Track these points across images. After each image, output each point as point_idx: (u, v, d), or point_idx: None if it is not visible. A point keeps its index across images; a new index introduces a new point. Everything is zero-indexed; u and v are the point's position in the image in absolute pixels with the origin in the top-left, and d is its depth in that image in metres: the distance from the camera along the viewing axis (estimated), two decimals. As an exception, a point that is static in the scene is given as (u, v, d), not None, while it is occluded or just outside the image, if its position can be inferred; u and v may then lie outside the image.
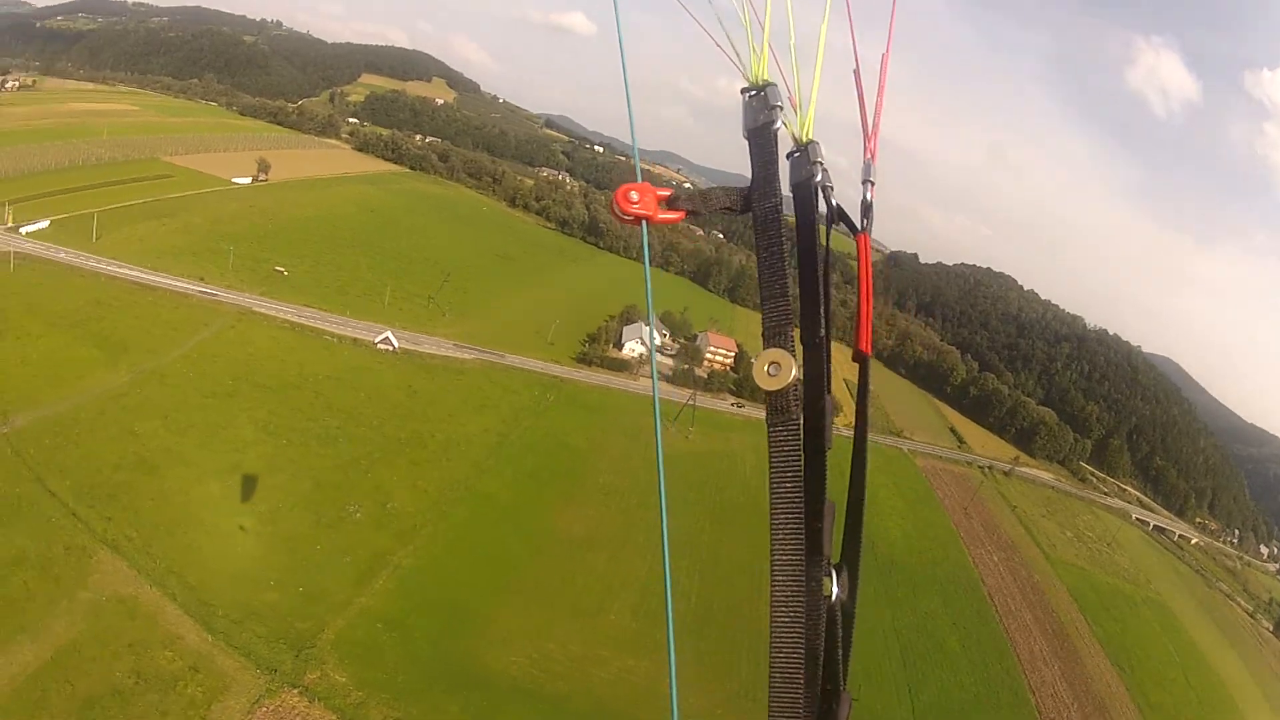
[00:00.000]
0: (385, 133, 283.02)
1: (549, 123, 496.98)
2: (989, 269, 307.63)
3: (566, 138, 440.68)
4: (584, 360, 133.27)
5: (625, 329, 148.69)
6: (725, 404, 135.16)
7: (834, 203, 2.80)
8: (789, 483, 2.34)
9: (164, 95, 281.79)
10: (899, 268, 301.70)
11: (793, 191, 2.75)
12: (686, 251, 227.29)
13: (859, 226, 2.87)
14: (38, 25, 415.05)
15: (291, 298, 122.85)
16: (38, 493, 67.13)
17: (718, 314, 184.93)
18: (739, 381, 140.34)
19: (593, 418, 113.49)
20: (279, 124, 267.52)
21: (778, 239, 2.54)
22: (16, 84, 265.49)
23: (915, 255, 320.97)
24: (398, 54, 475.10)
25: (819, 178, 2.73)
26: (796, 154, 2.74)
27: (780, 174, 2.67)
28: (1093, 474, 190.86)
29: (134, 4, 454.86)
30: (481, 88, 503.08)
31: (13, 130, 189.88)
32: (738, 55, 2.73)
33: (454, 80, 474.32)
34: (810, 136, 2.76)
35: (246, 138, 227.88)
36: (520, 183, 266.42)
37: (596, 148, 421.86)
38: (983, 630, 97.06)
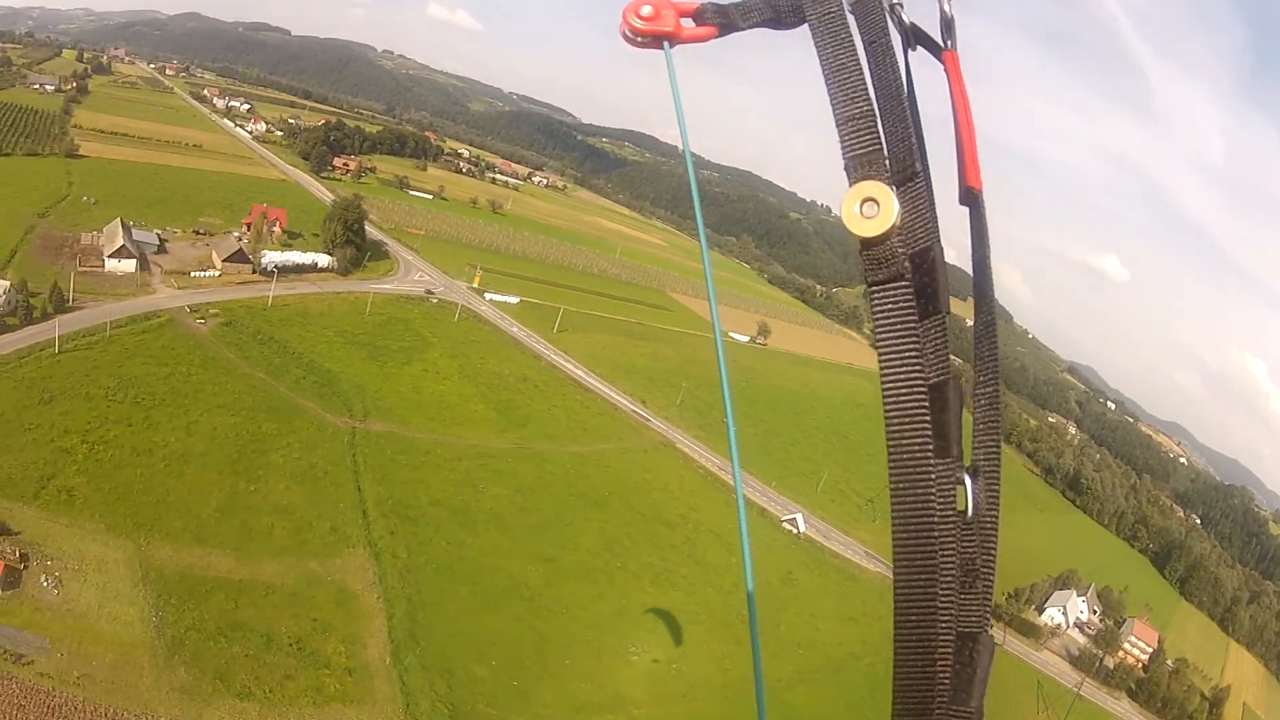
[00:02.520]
0: None
1: (1072, 369, 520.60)
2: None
3: (1084, 387, 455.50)
4: (995, 614, 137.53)
5: (1055, 593, 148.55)
6: (1117, 704, 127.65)
7: (908, 21, 2.48)
8: (905, 358, 1.96)
9: (695, 241, 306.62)
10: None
11: (853, 9, 2.24)
12: (1155, 528, 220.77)
13: (943, 44, 2.56)
14: (578, 138, 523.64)
15: (720, 449, 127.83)
16: (340, 491, 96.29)
17: (1158, 602, 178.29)
18: (1140, 683, 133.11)
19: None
20: (803, 301, 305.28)
21: (846, 41, 2.17)
22: (545, 182, 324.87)
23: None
24: None
25: None
26: None
27: None
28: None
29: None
30: (1014, 319, 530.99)
31: (528, 218, 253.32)
32: None
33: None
34: None
35: (762, 303, 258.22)
36: (1024, 422, 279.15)
37: (1109, 403, 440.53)
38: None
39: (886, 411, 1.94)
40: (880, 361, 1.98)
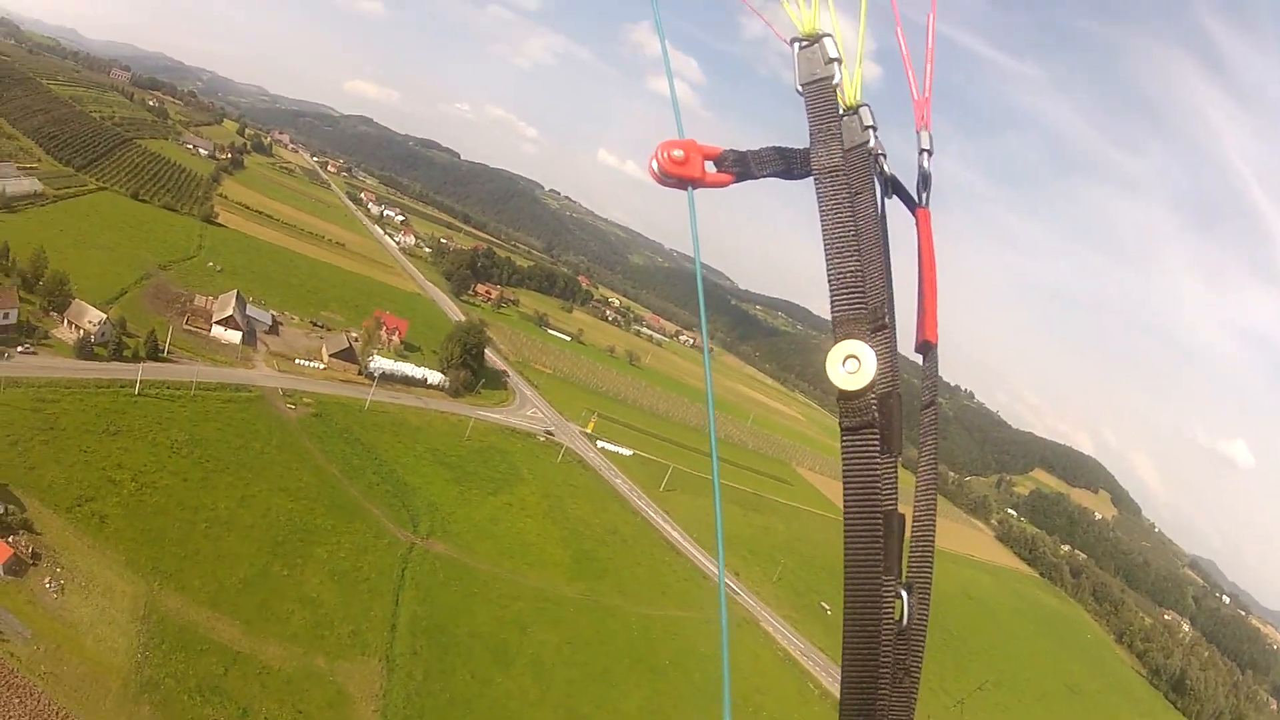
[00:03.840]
0: (1031, 531, 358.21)
1: (1193, 563, 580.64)
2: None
3: (1202, 582, 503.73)
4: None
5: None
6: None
7: (889, 173, 3.21)
8: (866, 496, 2.74)
9: (833, 417, 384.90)
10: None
11: (845, 159, 3.05)
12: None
13: (918, 200, 3.25)
14: (732, 302, 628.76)
15: (808, 632, 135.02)
16: (375, 600, 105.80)
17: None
18: None
19: None
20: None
21: (845, 209, 2.90)
22: (691, 341, 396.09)
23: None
24: (1074, 457, 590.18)
25: (873, 144, 3.14)
26: (845, 116, 3.13)
27: (840, 138, 3.05)
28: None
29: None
30: (1143, 511, 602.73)
31: (664, 374, 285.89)
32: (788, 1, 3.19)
33: (1118, 497, 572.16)
34: (860, 98, 3.18)
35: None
36: (1138, 619, 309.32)
37: (1224, 597, 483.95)
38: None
39: (847, 537, 2.76)
40: (845, 495, 2.78)
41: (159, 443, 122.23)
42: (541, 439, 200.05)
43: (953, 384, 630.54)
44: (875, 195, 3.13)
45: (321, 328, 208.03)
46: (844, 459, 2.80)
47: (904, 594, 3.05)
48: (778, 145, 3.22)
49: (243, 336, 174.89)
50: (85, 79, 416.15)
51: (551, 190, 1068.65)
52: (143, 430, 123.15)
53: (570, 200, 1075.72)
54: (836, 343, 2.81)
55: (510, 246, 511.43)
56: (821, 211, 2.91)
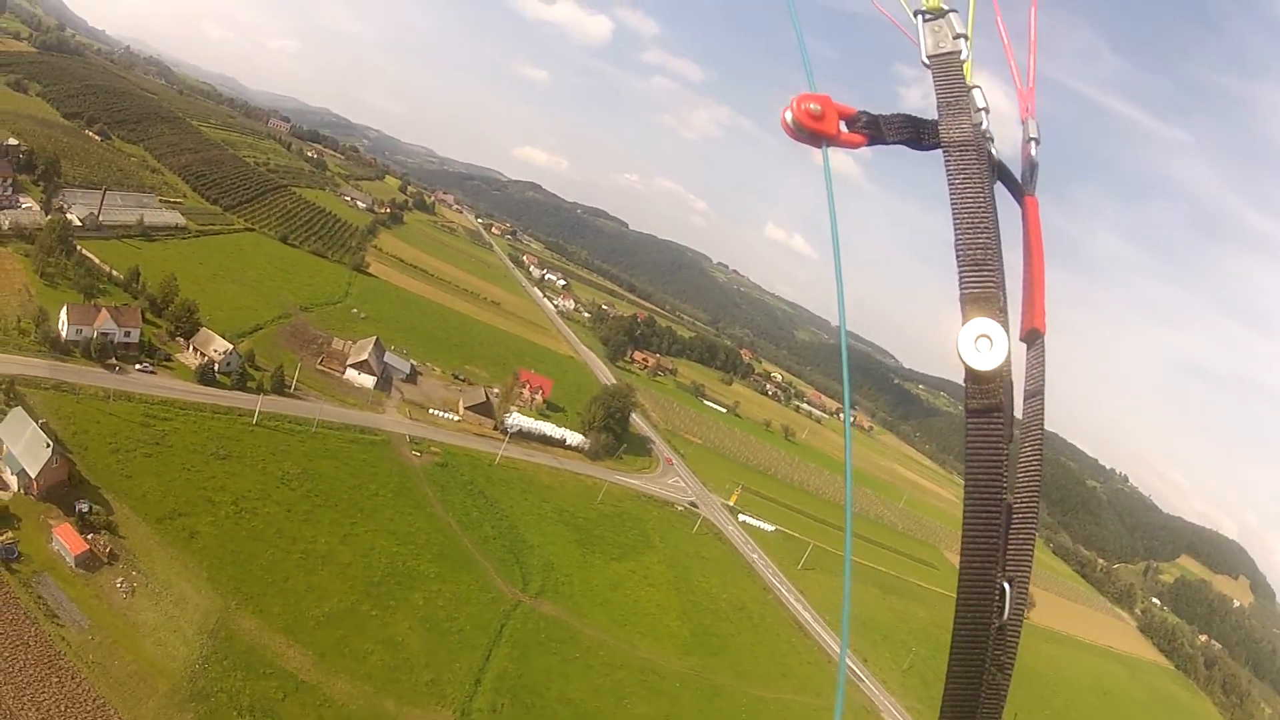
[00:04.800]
0: (1172, 621, 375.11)
1: None
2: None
3: None
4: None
5: None
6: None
7: (997, 158, 3.52)
8: (991, 483, 3.01)
9: None
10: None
11: (975, 132, 3.41)
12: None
13: (1026, 188, 3.66)
14: (895, 381, 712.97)
15: None
16: (465, 652, 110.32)
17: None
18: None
19: None
20: (1081, 575, 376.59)
21: (979, 182, 3.18)
22: (852, 419, 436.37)
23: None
24: (1217, 542, 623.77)
25: (986, 126, 3.46)
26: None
27: (971, 112, 3.42)
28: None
29: None
30: (1277, 597, 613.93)
31: (820, 450, 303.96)
32: None
33: (1256, 583, 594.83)
34: (971, 80, 3.53)
35: (1039, 574, 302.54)
36: (1260, 710, 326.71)
37: None
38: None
39: (967, 525, 3.02)
40: (968, 480, 3.04)
41: (269, 472, 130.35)
42: (680, 509, 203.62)
43: (1108, 467, 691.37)
44: (987, 177, 3.39)
45: (463, 381, 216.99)
46: (969, 443, 3.01)
47: (1006, 587, 3.23)
48: (909, 113, 3.50)
49: (376, 382, 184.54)
50: (240, 125, 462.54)
51: (719, 263, 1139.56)
52: (254, 458, 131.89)
53: (738, 274, 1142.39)
54: (966, 320, 3.03)
55: (674, 317, 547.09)
56: (951, 185, 3.16)
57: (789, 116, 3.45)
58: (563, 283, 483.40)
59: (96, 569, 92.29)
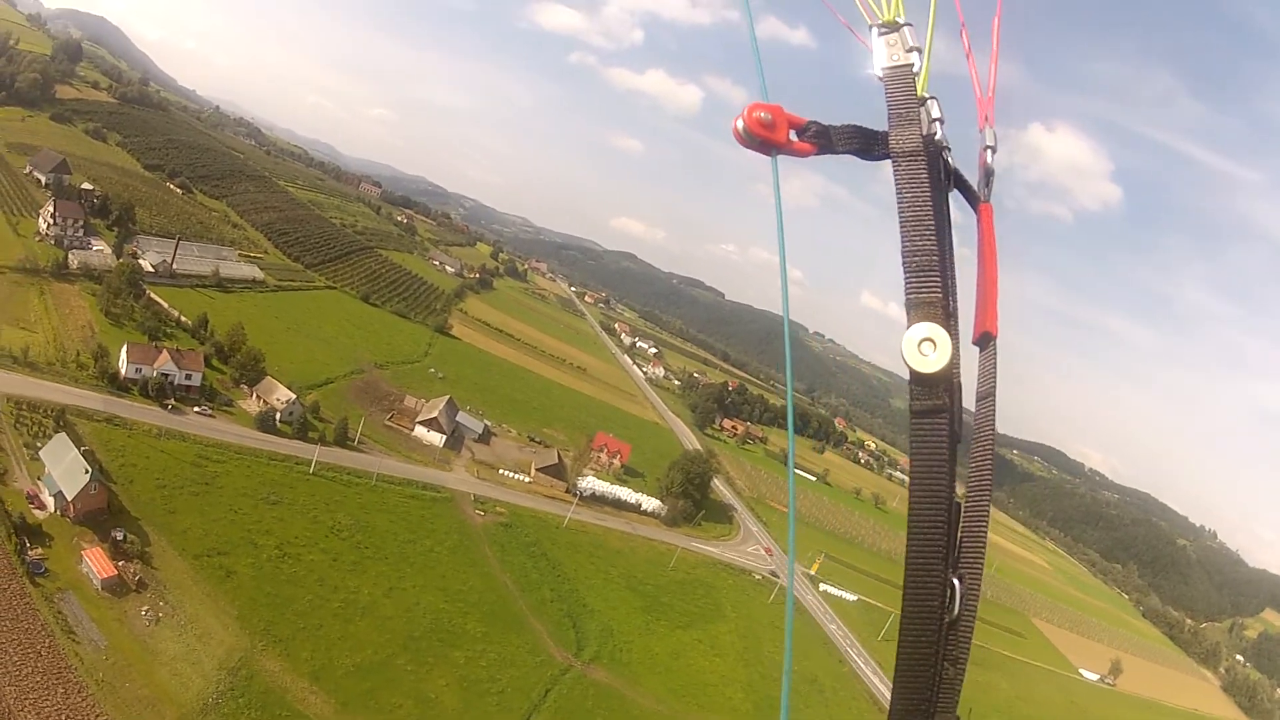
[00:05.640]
0: (1254, 677, 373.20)
1: None
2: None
3: None
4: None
5: None
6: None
7: (953, 165, 3.77)
8: (936, 483, 3.26)
9: (1081, 567, 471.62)
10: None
11: (923, 143, 3.63)
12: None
13: (981, 196, 3.88)
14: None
15: None
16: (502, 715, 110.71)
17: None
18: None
19: None
20: (1169, 638, 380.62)
21: (923, 190, 3.41)
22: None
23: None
24: None
25: (940, 135, 3.68)
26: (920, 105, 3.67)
27: (920, 124, 3.63)
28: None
29: (1090, 470, 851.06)
30: None
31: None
32: None
33: None
34: (927, 91, 3.72)
35: (1128, 637, 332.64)
36: None
37: None
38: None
39: (912, 523, 3.29)
40: (912, 480, 3.31)
41: (319, 521, 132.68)
42: (758, 577, 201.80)
43: (1197, 524, 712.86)
44: (943, 188, 3.67)
45: (538, 443, 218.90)
46: (913, 443, 3.26)
47: (956, 583, 3.44)
48: (859, 124, 3.70)
49: (446, 440, 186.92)
50: (328, 187, 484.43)
51: (815, 333, 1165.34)
52: (306, 506, 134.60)
53: (834, 343, 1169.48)
54: (911, 325, 3.25)
55: (768, 386, 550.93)
56: (899, 194, 3.37)
57: (740, 125, 3.60)
58: (654, 350, 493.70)
59: (123, 594, 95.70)
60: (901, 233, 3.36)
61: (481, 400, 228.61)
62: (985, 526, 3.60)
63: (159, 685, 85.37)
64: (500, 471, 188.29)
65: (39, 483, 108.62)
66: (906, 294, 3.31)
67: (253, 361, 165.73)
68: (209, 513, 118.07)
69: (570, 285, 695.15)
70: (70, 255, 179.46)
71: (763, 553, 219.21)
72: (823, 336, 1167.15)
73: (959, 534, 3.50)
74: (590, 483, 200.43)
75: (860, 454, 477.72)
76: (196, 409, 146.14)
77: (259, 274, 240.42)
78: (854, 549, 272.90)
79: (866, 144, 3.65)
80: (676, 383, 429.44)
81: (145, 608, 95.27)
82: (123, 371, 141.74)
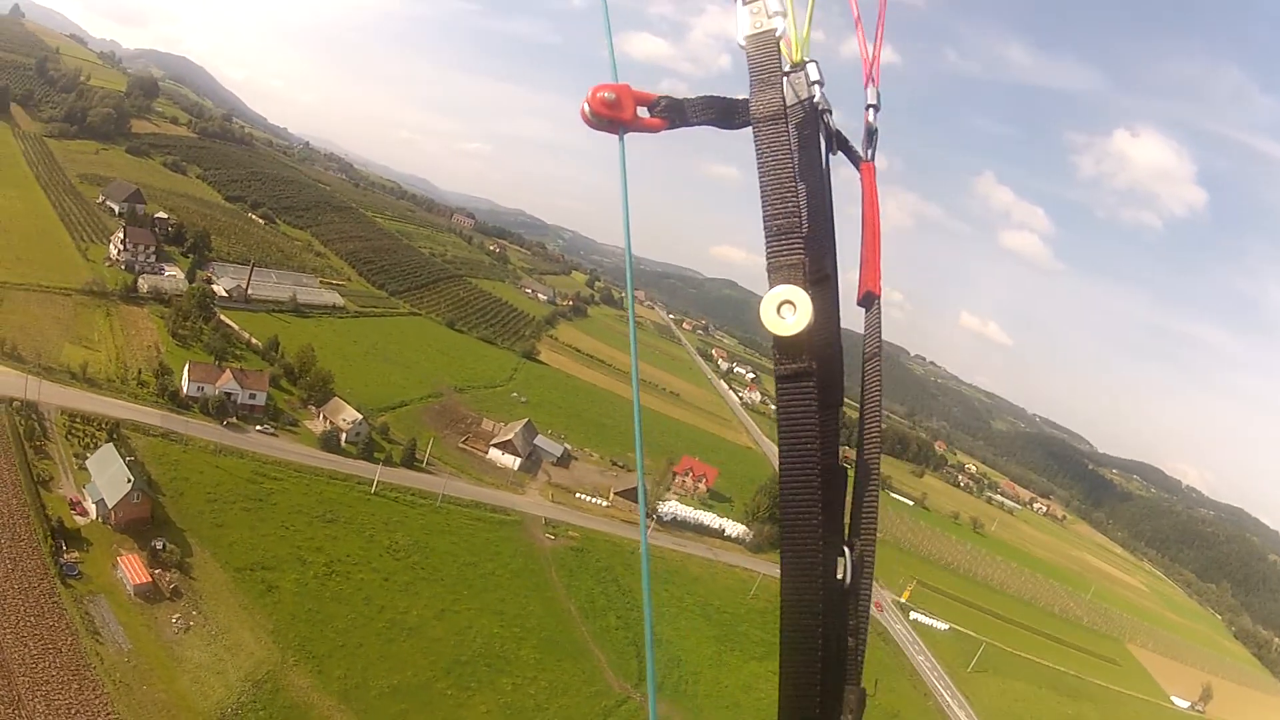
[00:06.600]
0: None
1: None
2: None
3: None
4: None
5: None
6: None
7: (834, 128, 3.85)
8: (803, 447, 3.14)
9: (1177, 588, 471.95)
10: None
11: (790, 112, 3.63)
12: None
13: (863, 155, 4.01)
14: (1089, 467, 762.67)
15: None
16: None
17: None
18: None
19: None
20: (1257, 658, 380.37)
21: (785, 155, 3.36)
22: (1045, 509, 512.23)
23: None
24: None
25: (818, 99, 3.76)
26: (791, 72, 3.77)
27: (781, 87, 3.58)
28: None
29: (1187, 487, 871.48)
30: None
31: (1009, 543, 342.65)
32: None
33: None
34: (807, 55, 3.79)
35: (1220, 660, 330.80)
36: None
37: None
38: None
39: (783, 491, 3.14)
40: (781, 446, 3.16)
41: (376, 540, 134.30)
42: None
43: None
44: (819, 149, 3.77)
45: (621, 467, 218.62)
46: (779, 409, 3.19)
47: (847, 551, 3.55)
48: (715, 95, 3.79)
49: (522, 463, 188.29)
50: (419, 218, 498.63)
51: (917, 355, 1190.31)
52: (363, 525, 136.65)
53: (935, 365, 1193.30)
54: (771, 288, 3.19)
55: None
56: (759, 158, 3.34)
57: (586, 107, 3.63)
58: (751, 375, 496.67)
59: (156, 602, 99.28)
60: (761, 196, 3.26)
61: (564, 424, 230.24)
62: (876, 491, 3.71)
63: (178, 691, 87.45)
64: (577, 495, 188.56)
65: (83, 490, 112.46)
66: (767, 258, 3.25)
67: (321, 383, 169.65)
68: (259, 528, 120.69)
69: (669, 313, 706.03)
70: (140, 279, 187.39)
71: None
72: (924, 359, 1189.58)
73: (842, 500, 3.53)
74: (672, 507, 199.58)
75: (960, 477, 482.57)
76: (259, 428, 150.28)
77: (339, 300, 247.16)
78: (949, 575, 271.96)
79: (725, 114, 3.68)
80: (773, 407, 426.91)
81: (176, 616, 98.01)
82: (184, 390, 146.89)
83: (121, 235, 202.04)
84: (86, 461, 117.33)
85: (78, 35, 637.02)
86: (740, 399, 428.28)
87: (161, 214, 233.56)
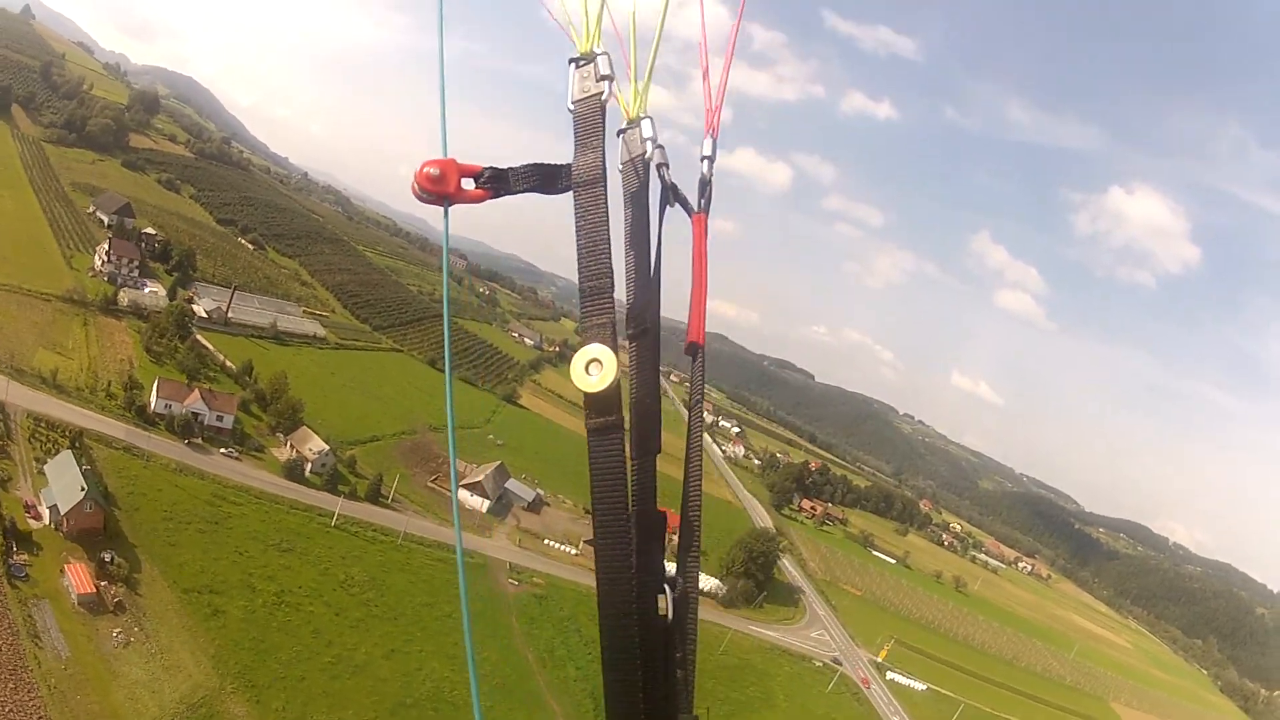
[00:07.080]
0: None
1: None
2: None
3: None
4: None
5: None
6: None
7: (669, 181, 3.91)
8: (612, 497, 3.33)
9: (1163, 645, 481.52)
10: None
11: (622, 170, 3.83)
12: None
13: (696, 206, 4.04)
14: (1075, 526, 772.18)
15: None
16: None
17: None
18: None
19: None
20: (1244, 711, 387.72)
21: (600, 220, 3.51)
22: (1030, 568, 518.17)
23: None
24: None
25: (650, 154, 3.82)
26: (627, 130, 3.88)
27: (607, 150, 3.70)
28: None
29: (1175, 544, 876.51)
30: None
31: (992, 602, 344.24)
32: (570, 22, 3.82)
33: None
34: (644, 112, 3.90)
35: (1200, 714, 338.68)
36: None
37: None
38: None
39: (596, 538, 3.34)
40: (593, 496, 3.32)
41: (330, 573, 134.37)
42: (819, 664, 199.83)
43: (1276, 590, 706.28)
44: (648, 202, 3.86)
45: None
46: (591, 461, 3.32)
47: (667, 589, 3.72)
48: (539, 162, 3.90)
49: (491, 506, 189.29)
50: (411, 256, 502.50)
51: (905, 414, 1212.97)
52: (319, 557, 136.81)
53: (924, 424, 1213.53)
54: (581, 347, 3.34)
55: (853, 467, 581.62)
56: (576, 221, 3.50)
57: (414, 183, 3.75)
58: (737, 430, 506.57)
59: (99, 613, 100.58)
60: (578, 260, 3.41)
61: (540, 470, 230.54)
62: (697, 531, 3.92)
63: (112, 705, 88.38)
64: (546, 542, 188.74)
65: (39, 494, 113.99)
66: (579, 318, 3.42)
67: (290, 410, 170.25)
68: (212, 551, 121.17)
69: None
70: (121, 292, 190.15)
71: (828, 640, 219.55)
72: (913, 419, 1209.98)
73: (661, 543, 3.67)
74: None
75: (945, 536, 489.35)
76: (223, 450, 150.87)
77: (320, 330, 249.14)
78: (929, 634, 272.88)
79: (548, 180, 3.76)
80: (757, 462, 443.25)
81: (118, 630, 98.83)
82: (151, 405, 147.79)
83: (107, 247, 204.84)
84: (45, 466, 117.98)
85: (86, 44, 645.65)
86: (723, 452, 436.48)
87: (150, 229, 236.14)
